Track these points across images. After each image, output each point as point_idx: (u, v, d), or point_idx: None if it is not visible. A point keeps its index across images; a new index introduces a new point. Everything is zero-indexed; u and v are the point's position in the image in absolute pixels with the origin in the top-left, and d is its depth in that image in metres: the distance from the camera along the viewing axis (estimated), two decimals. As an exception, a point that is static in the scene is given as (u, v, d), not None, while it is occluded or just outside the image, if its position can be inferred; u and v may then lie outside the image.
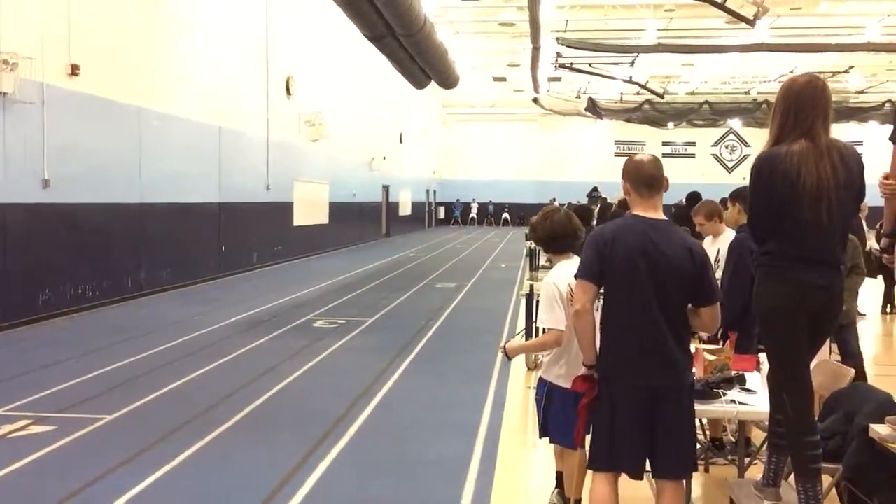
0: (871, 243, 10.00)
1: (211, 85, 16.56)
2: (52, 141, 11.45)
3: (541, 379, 4.37)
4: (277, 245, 20.81)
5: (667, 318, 3.56)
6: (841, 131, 27.46)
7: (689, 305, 3.66)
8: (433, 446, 5.97)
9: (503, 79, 37.28)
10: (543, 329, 4.46)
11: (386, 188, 34.35)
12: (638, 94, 35.14)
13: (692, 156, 46.22)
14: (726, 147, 43.95)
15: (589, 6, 22.64)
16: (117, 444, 5.89)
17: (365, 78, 28.49)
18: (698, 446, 4.56)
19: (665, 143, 45.14)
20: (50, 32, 11.44)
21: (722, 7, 18.12)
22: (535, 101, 36.47)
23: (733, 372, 4.45)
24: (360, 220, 29.82)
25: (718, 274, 5.50)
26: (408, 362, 8.93)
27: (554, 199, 31.27)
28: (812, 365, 3.99)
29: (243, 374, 8.22)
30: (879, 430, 3.74)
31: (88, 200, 12.43)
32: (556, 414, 4.19)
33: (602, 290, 3.68)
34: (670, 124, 38.94)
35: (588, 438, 3.81)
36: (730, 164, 43.55)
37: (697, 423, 4.97)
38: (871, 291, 12.22)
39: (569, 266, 4.13)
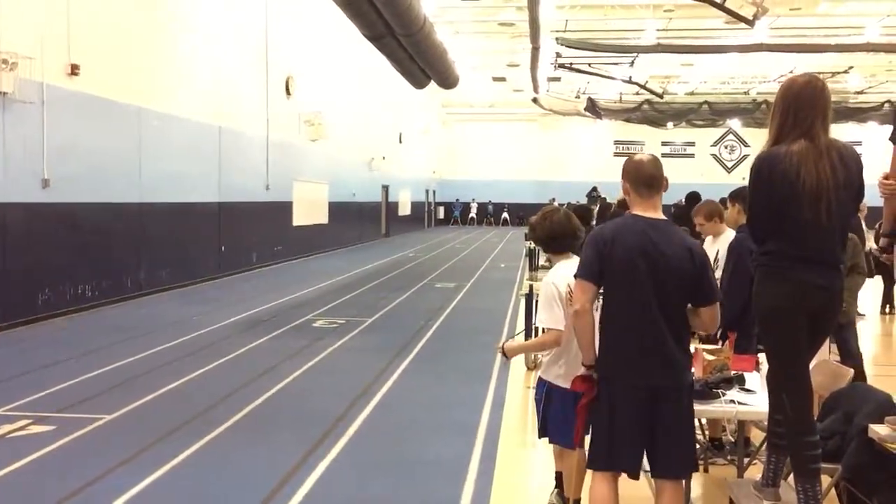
0: (870, 243, 10.00)
1: (211, 85, 16.56)
2: (52, 141, 11.45)
3: (540, 379, 4.37)
4: (277, 245, 20.81)
5: (666, 318, 3.57)
6: (840, 131, 27.48)
7: (689, 305, 3.66)
8: (432, 446, 5.97)
9: (503, 79, 37.28)
10: (543, 329, 4.46)
11: (385, 188, 34.36)
12: (637, 94, 35.15)
13: (691, 156, 46.26)
14: (725, 147, 43.92)
15: (588, 6, 22.64)
16: (117, 444, 5.89)
17: (364, 78, 28.49)
18: (697, 446, 4.56)
19: (664, 144, 45.16)
20: (50, 32, 11.44)
21: (721, 7, 18.11)
22: (535, 101, 36.47)
23: (733, 372, 4.45)
24: (359, 220, 29.82)
25: (718, 274, 5.51)
26: (407, 362, 8.93)
27: (553, 199, 31.28)
28: (811, 365, 3.99)
29: (243, 374, 8.22)
30: (879, 430, 3.74)
31: (88, 200, 12.43)
32: (556, 414, 4.20)
33: (601, 290, 3.69)
34: (670, 124, 38.95)
35: (587, 438, 3.81)
36: (729, 165, 43.52)
37: (697, 423, 4.98)
38: (870, 291, 12.22)
39: (568, 266, 4.13)
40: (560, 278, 4.19)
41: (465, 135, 48.86)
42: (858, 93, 35.78)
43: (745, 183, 4.11)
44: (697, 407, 3.90)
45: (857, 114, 33.76)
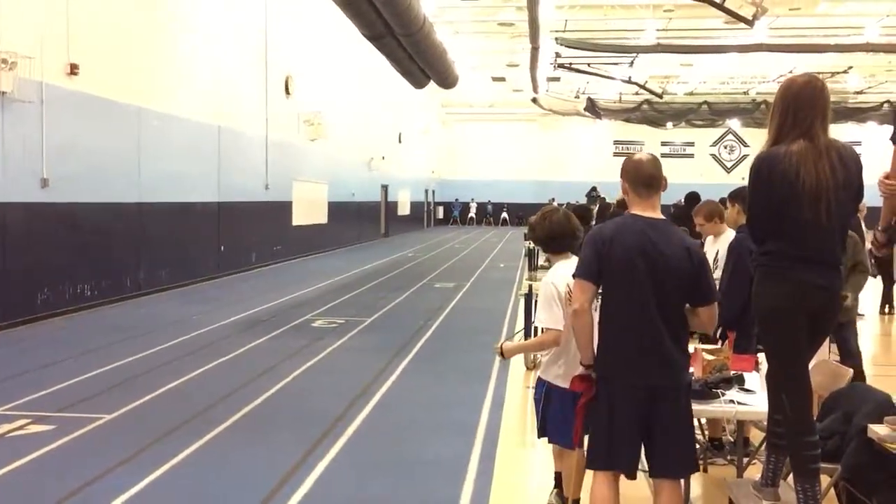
0: (868, 244, 10.00)
1: (210, 85, 16.56)
2: (51, 140, 11.45)
3: (539, 379, 4.37)
4: (276, 245, 20.81)
5: (665, 318, 3.57)
6: (839, 131, 27.44)
7: (687, 305, 3.67)
8: (432, 446, 5.97)
9: (502, 79, 37.28)
10: (542, 329, 4.47)
11: (385, 188, 34.35)
12: (637, 94, 35.16)
13: (691, 156, 46.27)
14: (725, 147, 43.94)
15: (588, 6, 22.64)
16: (116, 444, 5.88)
17: (364, 78, 28.49)
18: (697, 446, 4.56)
19: (664, 143, 45.16)
20: (49, 31, 11.43)
21: (721, 7, 18.12)
22: (535, 101, 36.48)
23: (732, 372, 4.45)
24: (358, 220, 29.82)
25: (718, 274, 5.52)
26: (406, 362, 8.93)
27: (553, 199, 31.31)
28: (811, 365, 3.99)
29: (242, 374, 8.22)
30: (878, 430, 3.75)
31: (88, 200, 12.43)
32: (555, 414, 4.20)
33: (600, 290, 3.69)
34: (669, 124, 38.96)
35: (586, 438, 3.81)
36: (728, 165, 43.54)
37: (697, 423, 4.98)
38: (869, 291, 12.21)
39: (567, 266, 4.14)
40: (559, 278, 4.19)
41: (464, 135, 48.86)
42: (858, 93, 35.79)
43: (745, 183, 4.11)
44: (697, 407, 3.90)
45: (857, 114, 33.79)
